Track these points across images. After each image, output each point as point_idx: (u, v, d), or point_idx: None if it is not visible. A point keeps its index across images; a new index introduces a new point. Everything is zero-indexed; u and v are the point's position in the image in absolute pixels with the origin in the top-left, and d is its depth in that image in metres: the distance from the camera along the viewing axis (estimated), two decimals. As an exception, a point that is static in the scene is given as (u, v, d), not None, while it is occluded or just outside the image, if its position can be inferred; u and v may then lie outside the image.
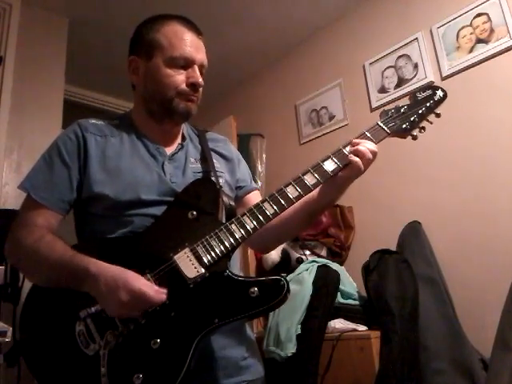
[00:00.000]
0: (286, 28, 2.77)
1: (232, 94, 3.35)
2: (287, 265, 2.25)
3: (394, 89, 2.35)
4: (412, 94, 1.05)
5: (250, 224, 0.91)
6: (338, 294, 1.96)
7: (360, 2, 2.59)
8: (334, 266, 2.07)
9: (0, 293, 1.52)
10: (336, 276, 1.98)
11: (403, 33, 2.36)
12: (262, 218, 0.91)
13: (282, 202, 0.92)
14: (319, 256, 2.26)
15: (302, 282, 1.95)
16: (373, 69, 2.47)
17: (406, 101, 1.05)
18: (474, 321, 1.80)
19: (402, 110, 1.02)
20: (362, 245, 2.29)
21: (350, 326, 1.84)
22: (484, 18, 2.05)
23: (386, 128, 1.00)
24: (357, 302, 1.98)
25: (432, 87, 1.04)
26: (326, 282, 1.93)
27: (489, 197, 1.91)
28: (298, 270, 2.05)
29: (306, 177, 0.95)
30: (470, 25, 2.09)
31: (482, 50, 2.03)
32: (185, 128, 1.15)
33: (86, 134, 1.02)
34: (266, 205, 0.92)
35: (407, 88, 2.29)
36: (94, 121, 1.07)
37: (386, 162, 2.26)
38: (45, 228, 0.95)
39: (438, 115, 1.02)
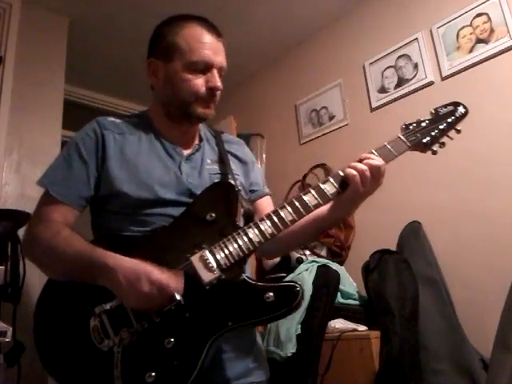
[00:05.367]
0: (286, 28, 2.77)
1: (232, 94, 3.35)
2: (287, 265, 2.25)
3: (394, 89, 2.35)
4: (434, 109, 1.05)
5: (267, 229, 0.91)
6: (338, 294, 1.96)
7: (360, 2, 2.59)
8: (334, 266, 2.07)
9: (0, 293, 1.52)
10: (336, 276, 1.98)
11: (403, 33, 2.36)
12: (280, 225, 0.92)
13: (301, 209, 0.93)
14: (319, 256, 2.26)
15: (302, 282, 1.95)
16: (373, 69, 2.47)
17: (427, 115, 1.05)
18: (474, 321, 1.80)
19: (423, 125, 1.03)
20: (362, 245, 2.28)
21: (350, 325, 1.84)
22: (484, 18, 2.05)
23: (406, 141, 1.00)
24: (357, 302, 1.98)
25: (454, 103, 1.05)
26: (326, 282, 1.93)
27: (488, 197, 1.91)
28: (297, 270, 2.05)
29: (325, 186, 0.95)
30: (470, 25, 2.09)
31: (482, 50, 2.03)
32: (202, 129, 1.16)
33: (105, 132, 1.03)
34: (285, 211, 0.93)
35: (407, 88, 2.29)
36: (112, 118, 1.07)
37: (386, 162, 2.26)
38: (61, 223, 0.95)
39: (458, 131, 1.03)
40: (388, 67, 2.40)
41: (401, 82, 2.33)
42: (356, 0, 2.58)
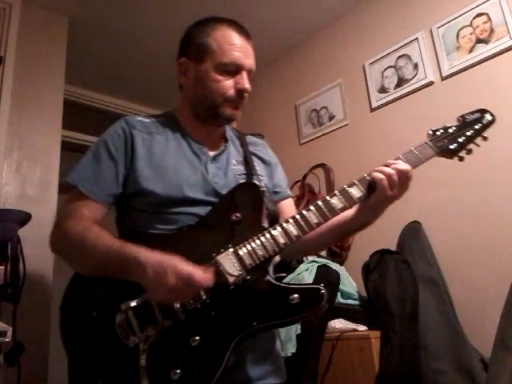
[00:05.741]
0: (286, 28, 2.77)
1: (232, 94, 3.34)
2: (287, 264, 2.25)
3: (394, 89, 2.35)
4: (461, 116, 1.05)
5: (293, 231, 0.92)
6: (338, 293, 1.95)
7: (360, 2, 2.59)
8: (334, 266, 2.06)
9: (0, 293, 1.52)
10: (336, 276, 1.97)
11: (403, 33, 2.36)
12: (305, 227, 0.92)
13: (327, 212, 0.93)
14: (319, 256, 2.26)
15: (301, 282, 1.95)
16: (373, 69, 2.47)
17: (454, 122, 1.06)
18: (474, 321, 1.80)
19: (450, 131, 1.03)
20: (362, 245, 2.28)
21: (350, 325, 1.84)
22: (484, 17, 2.05)
23: (434, 146, 1.01)
24: (357, 302, 1.98)
25: (480, 110, 1.06)
26: (326, 281, 1.93)
27: (489, 197, 1.91)
28: (297, 270, 2.05)
29: (351, 189, 0.96)
30: (470, 25, 2.09)
31: (482, 50, 2.03)
32: (227, 130, 1.18)
33: (133, 131, 1.04)
34: (311, 214, 0.93)
35: (407, 88, 2.28)
36: (140, 118, 1.09)
37: (386, 162, 2.26)
38: (90, 219, 0.97)
39: (485, 138, 1.04)
40: (388, 67, 2.40)
41: (401, 81, 2.33)
42: (356, 0, 2.58)
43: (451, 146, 1.02)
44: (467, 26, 2.10)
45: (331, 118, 2.65)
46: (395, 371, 1.59)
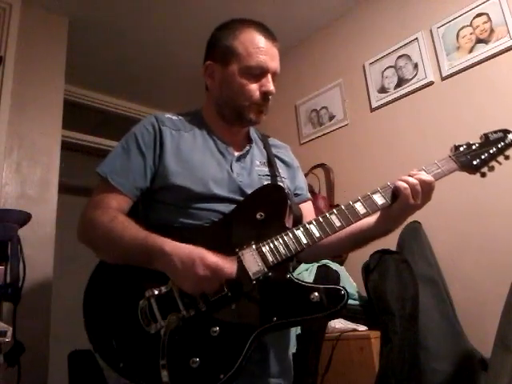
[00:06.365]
0: (286, 28, 2.77)
1: (232, 94, 3.34)
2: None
3: (394, 89, 2.35)
4: (484, 135, 1.09)
5: (315, 233, 0.94)
6: (338, 293, 1.95)
7: (360, 2, 2.59)
8: (334, 265, 2.06)
9: (0, 293, 1.52)
10: (336, 276, 1.98)
11: (403, 33, 2.36)
12: (328, 229, 0.95)
13: (350, 216, 0.96)
14: (319, 256, 2.26)
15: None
16: (373, 69, 2.47)
17: (477, 139, 1.09)
18: (474, 321, 1.80)
19: (473, 148, 1.07)
20: (362, 245, 2.28)
21: (350, 325, 1.84)
22: (484, 17, 2.05)
23: (457, 161, 1.05)
24: (357, 302, 1.98)
25: (503, 130, 1.09)
26: (325, 282, 1.93)
27: (489, 197, 1.91)
28: (298, 270, 2.05)
29: (374, 196, 0.98)
30: (470, 25, 2.09)
31: (482, 50, 2.03)
32: (251, 131, 1.20)
33: (163, 127, 1.07)
34: (334, 217, 0.96)
35: (407, 88, 2.28)
36: (169, 115, 1.12)
37: (386, 163, 2.27)
38: (117, 210, 0.98)
39: (507, 157, 1.07)
40: (388, 67, 2.40)
41: (401, 81, 2.33)
42: (356, 0, 2.58)
43: (474, 162, 1.06)
44: (467, 25, 2.10)
45: (331, 117, 2.65)
46: (395, 371, 1.59)
